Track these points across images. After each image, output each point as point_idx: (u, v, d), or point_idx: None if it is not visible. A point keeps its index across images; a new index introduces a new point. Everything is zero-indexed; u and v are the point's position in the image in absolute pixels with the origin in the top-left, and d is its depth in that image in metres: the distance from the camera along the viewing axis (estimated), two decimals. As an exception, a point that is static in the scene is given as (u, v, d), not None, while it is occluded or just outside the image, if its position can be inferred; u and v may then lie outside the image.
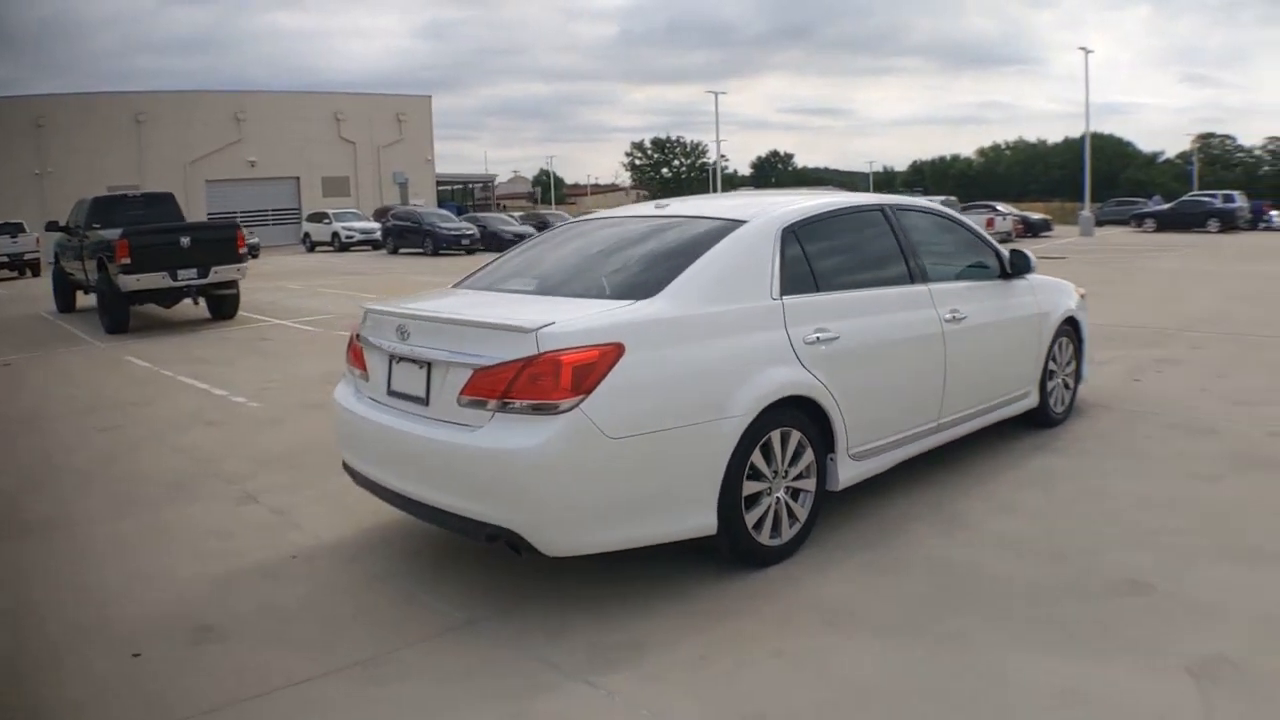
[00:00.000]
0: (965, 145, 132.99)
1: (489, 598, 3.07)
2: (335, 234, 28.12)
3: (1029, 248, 5.46)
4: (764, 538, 3.15)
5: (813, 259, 3.49)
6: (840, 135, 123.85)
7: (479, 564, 3.34)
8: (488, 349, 2.89)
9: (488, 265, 4.06)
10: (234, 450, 5.00)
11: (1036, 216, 30.05)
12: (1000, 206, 28.34)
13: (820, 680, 2.48)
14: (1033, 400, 4.67)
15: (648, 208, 4.18)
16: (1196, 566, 3.10)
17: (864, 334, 3.52)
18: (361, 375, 3.45)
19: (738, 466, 3.00)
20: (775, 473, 3.16)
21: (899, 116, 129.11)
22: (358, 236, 27.87)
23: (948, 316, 3.95)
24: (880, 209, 4.00)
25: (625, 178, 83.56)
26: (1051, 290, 4.86)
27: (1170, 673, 2.43)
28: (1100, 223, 30.83)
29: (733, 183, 51.09)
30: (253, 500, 4.16)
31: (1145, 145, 74.35)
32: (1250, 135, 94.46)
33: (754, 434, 3.04)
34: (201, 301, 10.81)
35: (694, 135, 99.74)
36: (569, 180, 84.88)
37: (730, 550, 3.09)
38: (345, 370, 3.65)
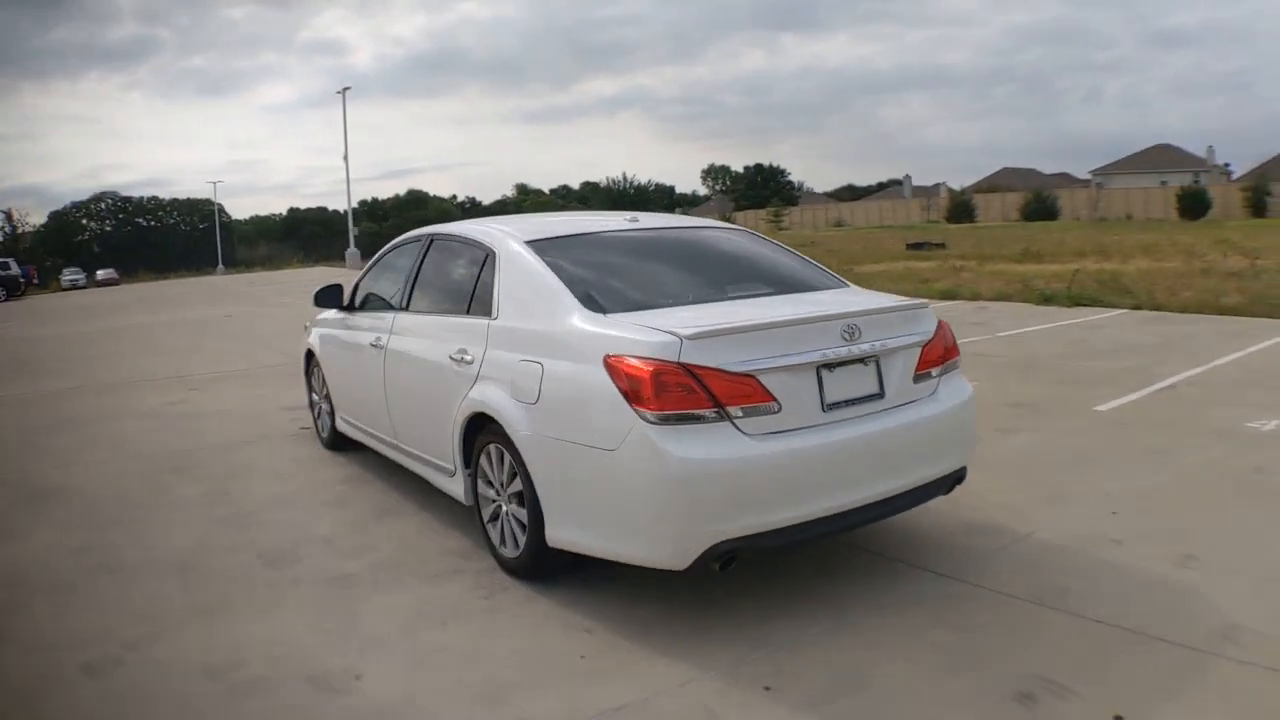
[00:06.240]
0: None
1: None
2: None
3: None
4: None
5: None
6: None
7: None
8: (919, 327, 3.43)
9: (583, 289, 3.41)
10: None
11: None
12: None
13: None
14: None
15: (621, 220, 4.18)
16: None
17: None
18: (767, 407, 2.92)
19: None
20: None
21: None
22: None
23: None
24: None
25: None
26: None
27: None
28: None
29: None
30: None
31: None
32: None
33: None
34: None
35: None
36: None
37: None
38: (677, 426, 2.82)
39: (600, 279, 3.57)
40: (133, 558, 4.06)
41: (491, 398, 3.50)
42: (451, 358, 3.82)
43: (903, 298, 3.71)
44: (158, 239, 71.45)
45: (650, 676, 2.80)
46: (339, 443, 5.67)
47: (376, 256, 5.29)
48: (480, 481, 3.74)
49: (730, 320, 3.08)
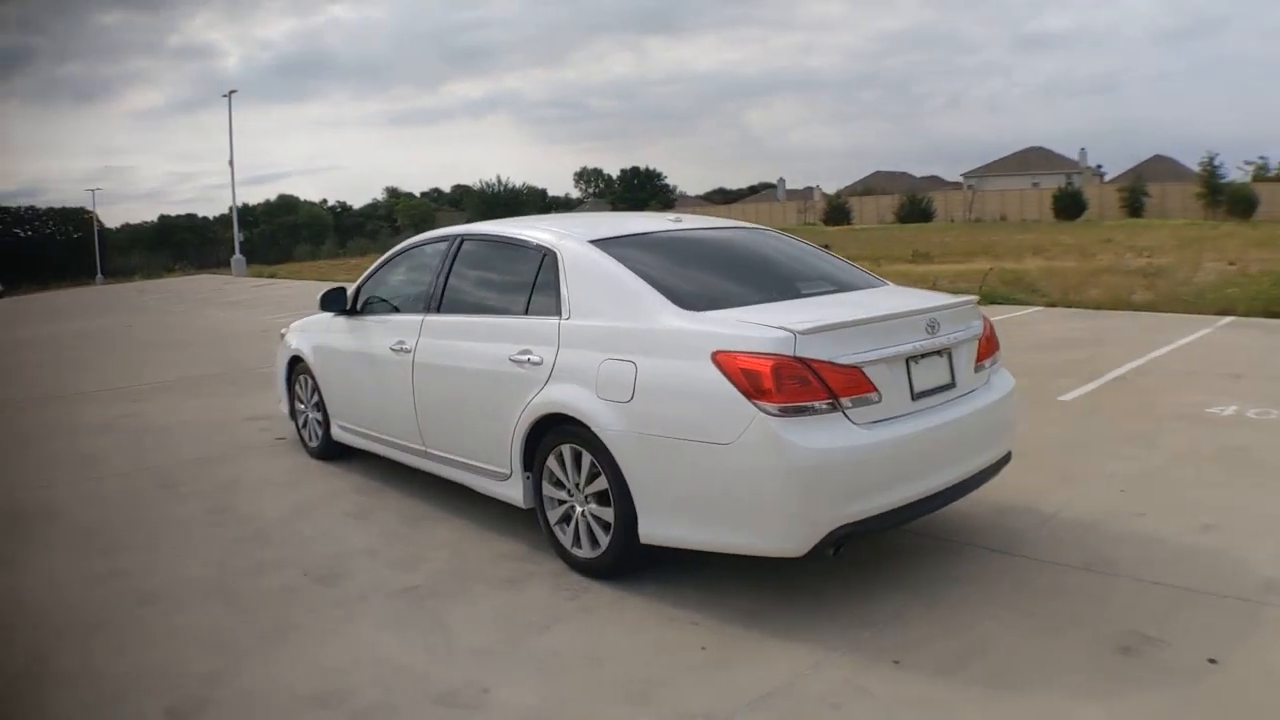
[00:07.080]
0: None
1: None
2: None
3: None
4: None
5: None
6: None
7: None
8: (973, 321, 3.67)
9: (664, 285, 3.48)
10: None
11: None
12: None
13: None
14: None
15: (665, 221, 4.35)
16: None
17: None
18: (870, 397, 3.09)
19: None
20: None
21: None
22: None
23: None
24: None
25: None
26: None
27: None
28: None
29: None
30: None
31: None
32: None
33: None
34: None
35: None
36: None
37: None
38: (796, 418, 2.94)
39: (675, 278, 3.61)
40: (159, 585, 3.80)
41: (572, 398, 3.49)
42: (513, 360, 3.78)
43: (953, 295, 3.95)
44: (34, 249, 67.71)
45: (780, 660, 2.88)
46: (330, 452, 5.46)
47: (383, 260, 5.13)
48: (547, 484, 3.72)
49: (836, 316, 3.23)
